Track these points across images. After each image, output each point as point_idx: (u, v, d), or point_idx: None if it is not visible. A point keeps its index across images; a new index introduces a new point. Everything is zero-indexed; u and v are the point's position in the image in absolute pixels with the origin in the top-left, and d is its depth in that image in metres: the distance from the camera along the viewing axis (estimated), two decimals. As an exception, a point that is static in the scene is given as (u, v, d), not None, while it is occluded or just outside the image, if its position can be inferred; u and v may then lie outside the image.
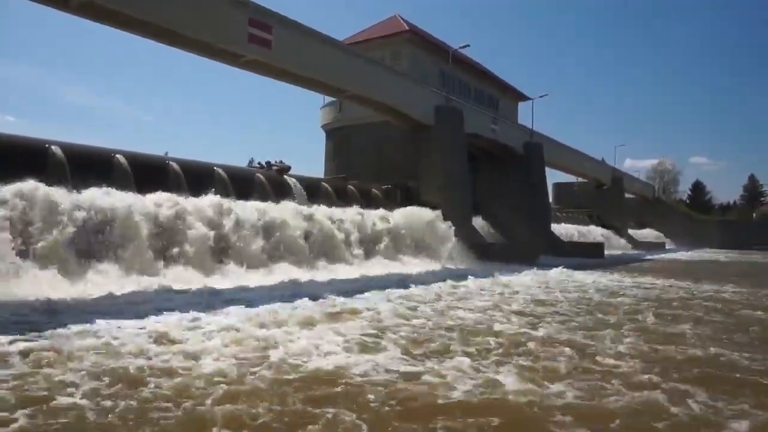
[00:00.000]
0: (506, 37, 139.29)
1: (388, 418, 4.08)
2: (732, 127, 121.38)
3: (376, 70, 20.26)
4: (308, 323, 7.38)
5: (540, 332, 7.43)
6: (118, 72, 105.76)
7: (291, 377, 4.94)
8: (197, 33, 13.95)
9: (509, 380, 5.01)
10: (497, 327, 7.73)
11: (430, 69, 26.73)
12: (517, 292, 12.27)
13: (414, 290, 11.60)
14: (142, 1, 12.61)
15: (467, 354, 6.03)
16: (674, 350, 6.58)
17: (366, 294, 10.49)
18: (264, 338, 6.29)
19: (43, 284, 8.54)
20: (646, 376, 5.33)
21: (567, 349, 6.38)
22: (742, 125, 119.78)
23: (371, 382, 4.90)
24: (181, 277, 10.71)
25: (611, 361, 5.90)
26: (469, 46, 26.79)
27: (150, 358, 5.31)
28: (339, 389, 4.68)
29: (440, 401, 4.47)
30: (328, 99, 27.30)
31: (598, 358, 6.08)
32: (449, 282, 13.22)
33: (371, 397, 4.51)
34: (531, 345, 6.59)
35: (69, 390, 4.31)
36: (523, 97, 36.39)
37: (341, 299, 9.43)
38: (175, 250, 11.51)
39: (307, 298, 9.14)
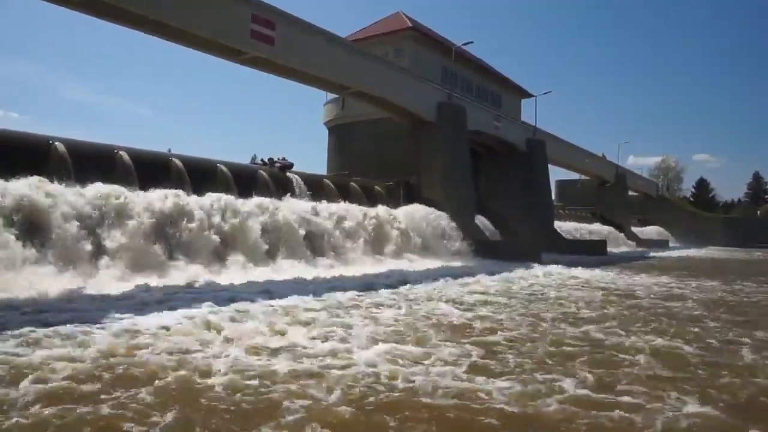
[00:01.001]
0: (507, 36, 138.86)
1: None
2: (734, 125, 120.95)
3: (378, 67, 20.20)
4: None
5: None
6: (117, 70, 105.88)
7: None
8: (199, 29, 13.90)
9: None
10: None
11: (432, 66, 26.65)
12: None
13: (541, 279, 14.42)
14: (144, -3, 12.57)
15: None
16: None
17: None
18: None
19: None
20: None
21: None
22: (745, 123, 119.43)
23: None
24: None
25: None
26: (472, 42, 26.71)
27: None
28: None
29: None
30: (331, 96, 27.29)
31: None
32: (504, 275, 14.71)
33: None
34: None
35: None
36: (526, 94, 36.26)
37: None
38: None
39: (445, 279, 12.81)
